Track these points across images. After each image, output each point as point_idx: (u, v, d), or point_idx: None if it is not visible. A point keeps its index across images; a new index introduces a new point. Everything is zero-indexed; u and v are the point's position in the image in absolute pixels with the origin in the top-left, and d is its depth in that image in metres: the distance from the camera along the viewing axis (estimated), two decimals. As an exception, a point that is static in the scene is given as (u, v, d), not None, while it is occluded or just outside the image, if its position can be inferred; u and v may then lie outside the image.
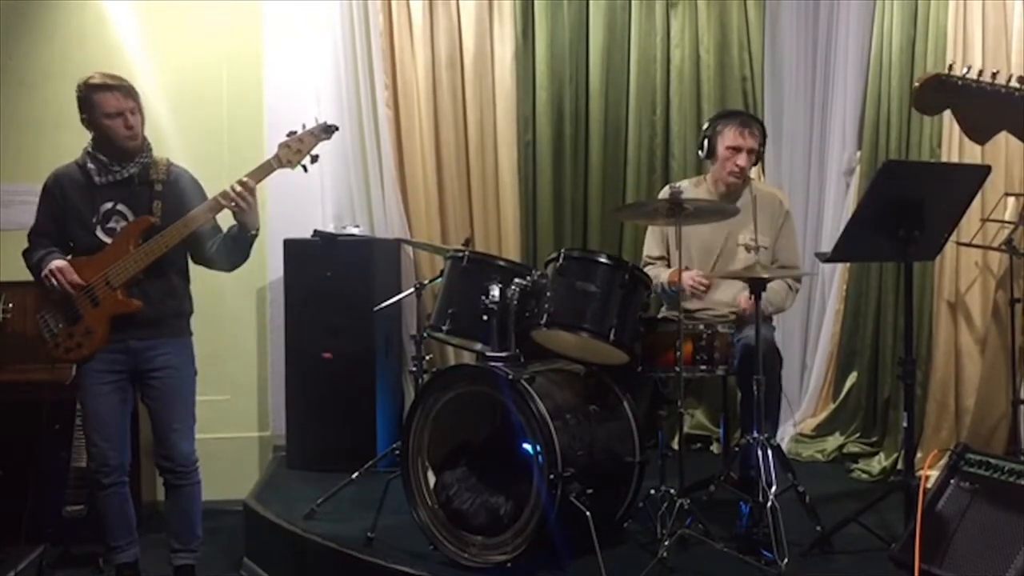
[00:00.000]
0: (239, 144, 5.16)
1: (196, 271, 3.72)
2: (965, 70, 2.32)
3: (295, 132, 3.52)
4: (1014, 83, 2.33)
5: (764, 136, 4.22)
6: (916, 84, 2.39)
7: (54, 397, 4.08)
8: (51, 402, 4.12)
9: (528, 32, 5.27)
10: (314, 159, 3.54)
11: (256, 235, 3.56)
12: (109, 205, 3.54)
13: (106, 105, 3.46)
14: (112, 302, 3.48)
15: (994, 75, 2.35)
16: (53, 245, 3.58)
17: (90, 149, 3.56)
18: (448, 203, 5.24)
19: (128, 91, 3.51)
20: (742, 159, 4.09)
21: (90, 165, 3.53)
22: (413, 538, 3.55)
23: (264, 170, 3.51)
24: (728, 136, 4.11)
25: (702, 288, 3.98)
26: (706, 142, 4.18)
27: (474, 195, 5.26)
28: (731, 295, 4.16)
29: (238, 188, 3.43)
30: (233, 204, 3.44)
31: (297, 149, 3.50)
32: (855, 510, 3.50)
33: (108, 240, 3.52)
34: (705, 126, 4.26)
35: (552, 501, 3.18)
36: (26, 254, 3.63)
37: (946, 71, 2.32)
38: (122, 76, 3.56)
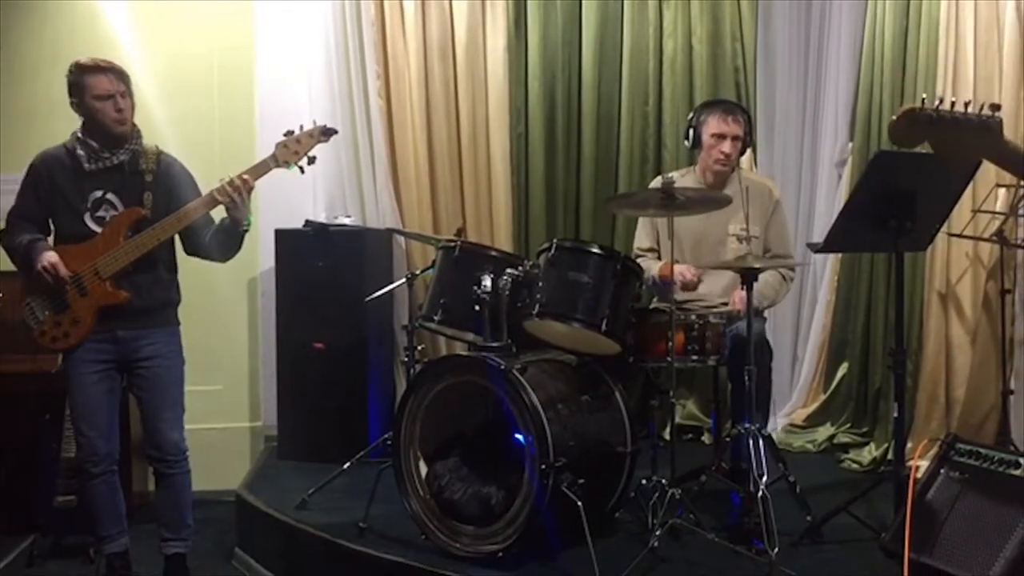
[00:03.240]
0: (230, 134, 5.15)
1: (187, 261, 3.71)
2: (938, 102, 2.34)
3: (292, 132, 3.52)
4: (987, 111, 2.35)
5: (750, 124, 4.22)
6: (892, 118, 2.41)
7: (42, 388, 4.08)
8: (40, 393, 4.12)
9: (520, 22, 5.26)
10: (311, 160, 3.54)
11: (248, 229, 3.56)
12: (99, 194, 3.52)
13: (97, 87, 3.44)
14: (101, 293, 3.47)
15: (966, 105, 2.37)
16: (35, 228, 3.56)
17: (79, 134, 3.53)
18: (440, 193, 5.24)
19: (120, 74, 3.49)
20: (727, 146, 4.09)
21: (79, 151, 3.50)
22: (405, 528, 3.55)
23: (260, 169, 3.50)
24: (712, 124, 4.11)
25: (692, 279, 3.98)
26: (691, 132, 4.18)
27: (466, 185, 5.25)
28: (722, 285, 4.17)
29: (237, 182, 3.42)
30: (228, 200, 3.43)
31: (295, 150, 3.50)
32: (845, 500, 3.52)
33: (97, 229, 3.50)
34: (690, 116, 4.26)
35: (544, 491, 3.19)
36: (5, 236, 3.59)
37: (919, 105, 2.34)
38: (113, 61, 3.53)
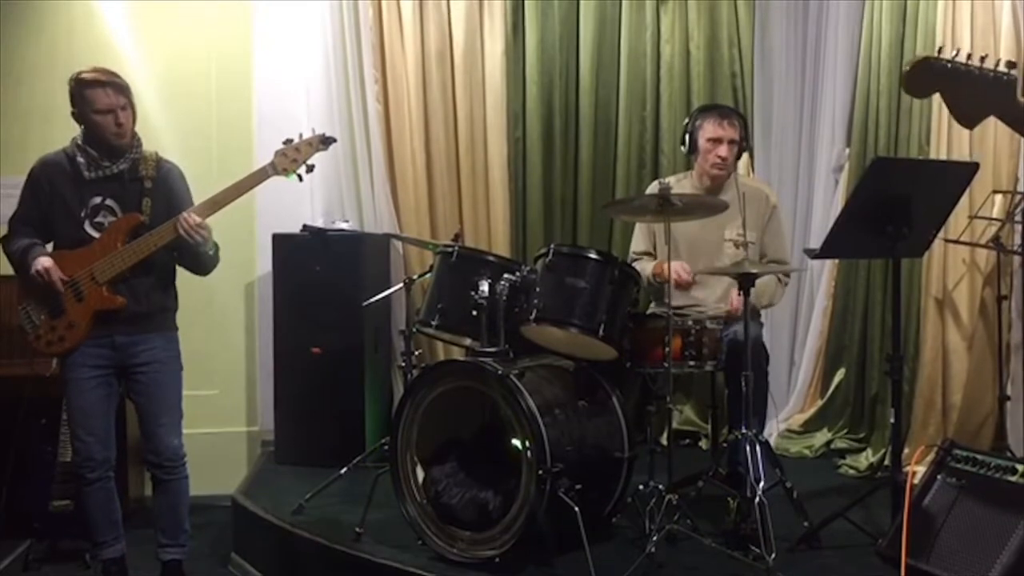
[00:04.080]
0: (227, 138, 5.15)
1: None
2: (954, 53, 2.34)
3: (291, 140, 3.52)
4: (1002, 68, 2.35)
5: (746, 129, 4.23)
6: (906, 67, 2.40)
7: (38, 392, 4.07)
8: (35, 397, 4.11)
9: (518, 27, 5.27)
10: (310, 169, 3.54)
11: (213, 252, 3.56)
12: (98, 200, 3.51)
13: (97, 102, 3.43)
14: (97, 297, 3.47)
15: (982, 59, 2.36)
16: (35, 234, 3.56)
17: (80, 142, 3.52)
18: (438, 198, 5.23)
19: (120, 88, 3.48)
20: (723, 150, 4.10)
21: (80, 159, 3.50)
22: (401, 533, 3.54)
23: (258, 176, 3.51)
24: (708, 128, 4.12)
25: (687, 278, 3.97)
26: (687, 137, 4.19)
27: (464, 190, 5.25)
28: (719, 292, 4.17)
29: (192, 222, 3.41)
30: (187, 237, 3.43)
31: (293, 158, 3.51)
32: (842, 506, 3.52)
33: (95, 235, 3.50)
34: (685, 121, 4.27)
35: (541, 496, 3.19)
36: (5, 241, 3.60)
37: (936, 54, 2.34)
38: (115, 71, 3.53)
